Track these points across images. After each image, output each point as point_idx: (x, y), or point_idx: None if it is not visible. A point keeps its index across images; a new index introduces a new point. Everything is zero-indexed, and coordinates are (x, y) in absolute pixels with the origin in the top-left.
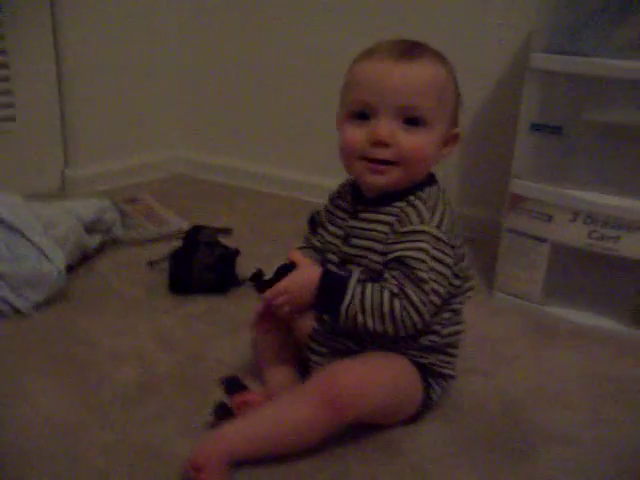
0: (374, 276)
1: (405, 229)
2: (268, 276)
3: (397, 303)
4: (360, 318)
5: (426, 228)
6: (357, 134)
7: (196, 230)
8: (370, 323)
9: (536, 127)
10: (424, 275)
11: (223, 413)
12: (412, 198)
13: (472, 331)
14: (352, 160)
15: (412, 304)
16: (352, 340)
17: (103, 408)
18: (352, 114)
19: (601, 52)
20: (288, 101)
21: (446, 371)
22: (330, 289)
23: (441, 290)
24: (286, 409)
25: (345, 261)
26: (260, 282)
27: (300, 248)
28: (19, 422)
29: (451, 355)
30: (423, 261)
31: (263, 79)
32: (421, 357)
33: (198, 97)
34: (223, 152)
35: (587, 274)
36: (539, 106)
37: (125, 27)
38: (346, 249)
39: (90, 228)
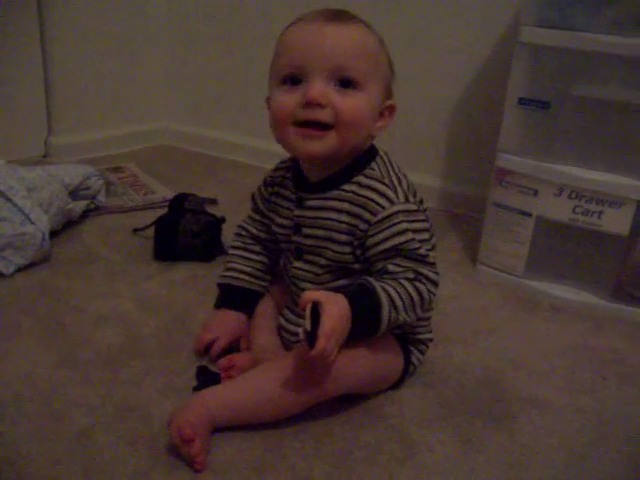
0: (338, 267)
1: (378, 217)
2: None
3: (421, 287)
4: (400, 319)
5: (397, 207)
6: (288, 99)
7: (182, 197)
8: (407, 317)
9: (524, 102)
10: (422, 251)
11: (205, 376)
12: (363, 179)
13: (454, 303)
14: (283, 128)
15: (430, 280)
16: None
17: (86, 368)
18: (282, 80)
19: (590, 27)
20: None
21: (423, 336)
22: (364, 310)
23: (434, 254)
24: (269, 380)
25: (301, 250)
26: (309, 337)
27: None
28: (0, 381)
29: (424, 319)
30: (413, 240)
31: (251, 50)
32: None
33: (185, 68)
34: (210, 124)
35: (569, 249)
36: (527, 81)
37: None
38: (299, 239)
39: (75, 194)
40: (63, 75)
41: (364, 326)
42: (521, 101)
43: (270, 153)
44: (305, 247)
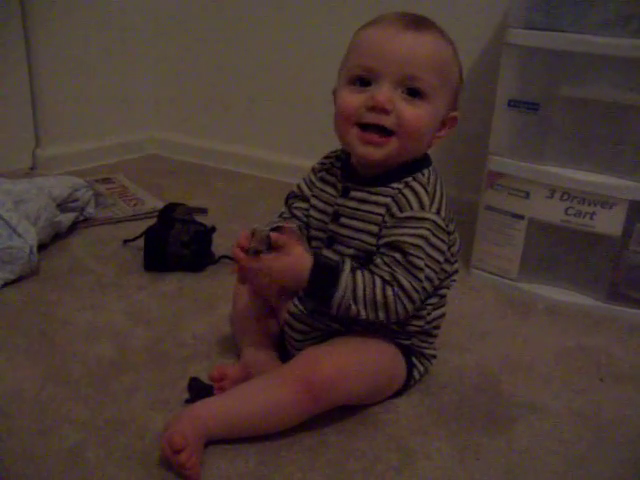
0: (364, 256)
1: (405, 214)
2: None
3: (390, 291)
4: (353, 307)
5: (427, 215)
6: (355, 99)
7: (171, 207)
8: (363, 312)
9: (513, 103)
10: (419, 262)
11: (197, 388)
12: (411, 180)
13: (449, 308)
14: (346, 127)
15: (405, 291)
16: (334, 320)
17: (76, 383)
18: (352, 79)
19: (578, 28)
20: (264, 81)
21: (428, 351)
22: (322, 279)
23: (434, 276)
24: (264, 392)
25: (333, 240)
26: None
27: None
28: None
29: (433, 336)
30: (421, 248)
31: (239, 59)
32: (404, 339)
33: (172, 77)
34: (198, 132)
35: (563, 251)
36: (516, 82)
37: (97, 5)
38: (335, 228)
39: (63, 206)
40: (50, 87)
41: (315, 296)
42: (510, 103)
43: (260, 161)
44: (338, 237)
